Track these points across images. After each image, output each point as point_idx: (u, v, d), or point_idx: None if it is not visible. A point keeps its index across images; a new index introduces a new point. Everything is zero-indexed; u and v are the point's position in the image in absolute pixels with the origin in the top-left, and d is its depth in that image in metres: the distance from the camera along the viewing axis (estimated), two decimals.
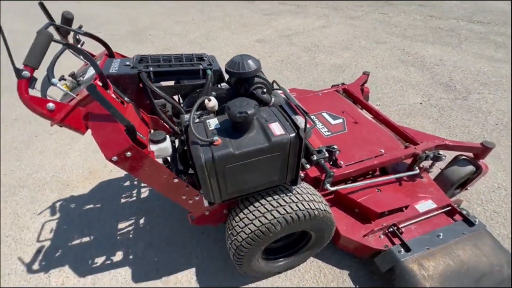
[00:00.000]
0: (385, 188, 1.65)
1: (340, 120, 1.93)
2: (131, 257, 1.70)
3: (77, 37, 1.24)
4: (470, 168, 1.73)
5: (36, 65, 0.90)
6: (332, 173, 1.42)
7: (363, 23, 5.58)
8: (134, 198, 2.08)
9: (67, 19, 1.16)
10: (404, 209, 1.59)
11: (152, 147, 1.15)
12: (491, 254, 1.36)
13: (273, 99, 1.35)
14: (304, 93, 2.35)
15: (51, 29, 1.11)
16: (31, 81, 0.90)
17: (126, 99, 1.21)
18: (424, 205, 1.61)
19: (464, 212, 1.57)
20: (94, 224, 1.91)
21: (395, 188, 1.68)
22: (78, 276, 1.62)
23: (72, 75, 1.18)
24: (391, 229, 1.47)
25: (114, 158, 1.00)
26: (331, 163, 1.59)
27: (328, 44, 4.67)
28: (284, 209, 1.19)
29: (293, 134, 1.05)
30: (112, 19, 6.58)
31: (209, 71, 1.26)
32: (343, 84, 2.45)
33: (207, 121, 1.12)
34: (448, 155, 1.82)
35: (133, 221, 1.91)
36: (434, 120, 2.74)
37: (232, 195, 1.17)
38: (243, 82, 1.34)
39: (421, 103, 3.00)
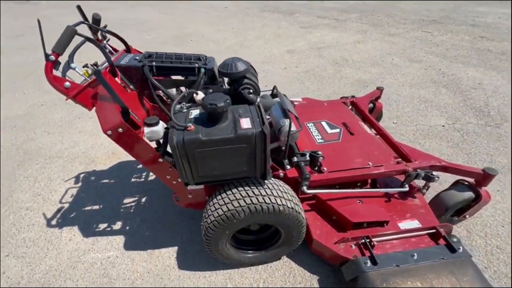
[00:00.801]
0: (368, 201, 1.64)
1: (337, 130, 1.95)
2: (127, 228, 1.92)
3: (103, 34, 1.52)
4: (469, 194, 1.62)
5: (61, 52, 1.15)
6: (308, 176, 1.47)
7: (402, 40, 5.40)
8: (142, 179, 2.33)
9: (96, 20, 1.44)
10: (385, 224, 1.56)
11: (145, 129, 1.34)
12: (468, 284, 1.27)
13: (258, 99, 1.47)
14: (313, 102, 2.41)
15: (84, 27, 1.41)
16: (56, 64, 1.16)
17: (131, 87, 1.44)
18: (408, 225, 1.56)
19: (454, 240, 1.48)
20: (105, 196, 2.19)
21: (380, 202, 1.65)
22: (83, 236, 1.88)
23: (95, 64, 1.44)
24: (363, 240, 1.46)
25: (109, 132, 1.21)
26: (316, 168, 1.64)
27: (358, 59, 4.62)
28: (250, 199, 1.29)
29: (259, 129, 1.15)
30: (162, 25, 7.32)
31: (202, 69, 1.43)
32: (353, 96, 2.46)
33: (190, 111, 1.29)
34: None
35: (136, 198, 2.15)
36: (454, 144, 2.56)
37: (203, 179, 1.30)
38: (233, 82, 1.48)
39: (443, 126, 2.82)
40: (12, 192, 2.27)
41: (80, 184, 2.32)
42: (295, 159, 1.54)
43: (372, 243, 1.43)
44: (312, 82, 3.92)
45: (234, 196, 1.31)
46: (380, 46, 5.13)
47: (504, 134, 2.66)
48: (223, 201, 1.32)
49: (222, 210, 1.30)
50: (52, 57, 1.12)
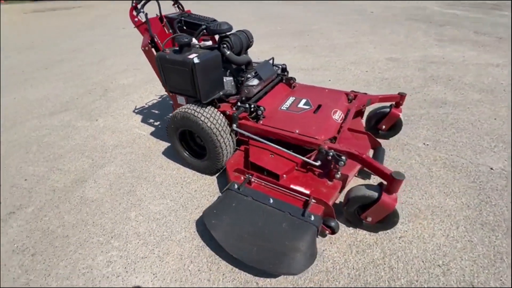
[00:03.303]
0: (280, 159, 1.86)
1: (307, 107, 2.16)
2: (158, 126, 3.03)
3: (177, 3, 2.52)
4: (371, 193, 1.53)
5: (138, 2, 2.21)
6: (235, 115, 1.93)
7: None
8: None
9: None
10: (280, 179, 1.78)
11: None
12: (292, 240, 1.41)
13: (227, 52, 2.03)
14: (321, 88, 2.58)
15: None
16: (135, 8, 2.23)
17: (171, 30, 2.38)
18: (300, 189, 1.69)
19: (333, 224, 1.54)
20: (156, 111, 3.41)
21: (288, 164, 1.83)
22: (133, 121, 3.16)
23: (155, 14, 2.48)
24: (247, 176, 1.78)
25: (142, 48, 2.20)
26: (260, 122, 2.03)
27: (469, 81, 3.76)
28: (187, 110, 1.95)
29: (193, 62, 1.76)
30: (297, 20, 8.27)
31: (204, 26, 2.15)
32: (365, 93, 2.41)
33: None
34: None
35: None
36: (401, 162, 2.00)
37: (172, 89, 2.06)
38: (219, 38, 2.11)
39: (425, 144, 2.17)
40: (113, 102, 3.93)
41: (133, 99, 3.70)
42: (239, 104, 2.02)
43: (251, 180, 1.75)
44: (379, 88, 3.69)
45: (183, 108, 2.02)
46: None
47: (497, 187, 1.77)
48: (177, 110, 2.06)
49: (174, 114, 2.05)
50: (133, 3, 2.20)
